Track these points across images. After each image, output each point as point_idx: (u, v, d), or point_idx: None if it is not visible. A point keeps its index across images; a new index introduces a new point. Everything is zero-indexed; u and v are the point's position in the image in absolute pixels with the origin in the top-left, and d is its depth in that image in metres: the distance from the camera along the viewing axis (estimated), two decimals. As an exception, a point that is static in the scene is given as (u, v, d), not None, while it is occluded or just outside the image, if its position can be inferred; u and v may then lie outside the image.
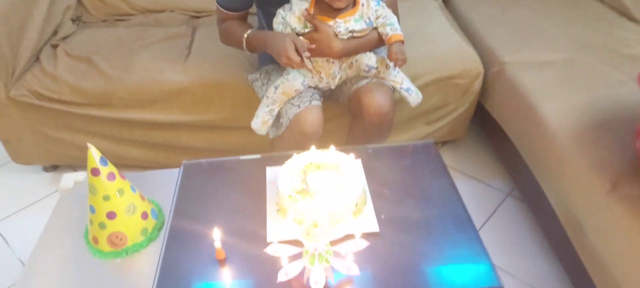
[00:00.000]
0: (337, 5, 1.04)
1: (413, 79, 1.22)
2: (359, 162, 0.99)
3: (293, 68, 1.08)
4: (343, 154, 0.95)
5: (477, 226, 0.99)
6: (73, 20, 1.59)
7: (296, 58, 1.00)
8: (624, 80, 1.22)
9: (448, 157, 1.57)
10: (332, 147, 0.97)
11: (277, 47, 1.02)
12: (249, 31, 1.12)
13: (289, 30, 1.08)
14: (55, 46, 1.45)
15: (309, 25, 1.07)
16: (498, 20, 1.55)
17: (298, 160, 0.94)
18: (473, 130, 1.67)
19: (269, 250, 0.78)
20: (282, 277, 0.75)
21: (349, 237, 0.80)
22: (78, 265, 0.91)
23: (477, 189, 1.49)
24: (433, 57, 1.39)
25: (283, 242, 0.80)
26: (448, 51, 1.41)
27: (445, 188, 0.98)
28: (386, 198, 0.94)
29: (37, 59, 1.41)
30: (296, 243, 0.78)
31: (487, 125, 1.54)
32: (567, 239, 1.10)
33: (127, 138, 1.46)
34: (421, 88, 1.23)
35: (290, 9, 1.08)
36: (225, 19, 1.17)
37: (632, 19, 1.51)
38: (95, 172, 0.86)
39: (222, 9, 1.16)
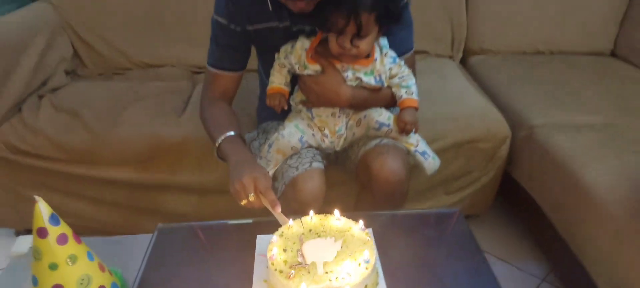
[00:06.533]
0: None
1: (430, 142, 1.06)
2: (369, 232, 0.81)
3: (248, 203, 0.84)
4: (350, 222, 0.78)
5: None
6: (67, 73, 1.50)
7: (248, 199, 0.82)
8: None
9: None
10: (337, 212, 0.79)
11: (233, 179, 0.83)
12: (227, 134, 0.92)
13: (286, 70, 0.97)
14: (41, 97, 1.35)
15: (309, 66, 0.94)
16: (523, 81, 1.43)
17: (295, 227, 0.77)
18: (500, 204, 1.48)
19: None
20: None
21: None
22: None
23: (505, 273, 1.28)
24: (453, 117, 1.25)
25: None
26: (470, 112, 1.27)
27: (477, 269, 0.78)
28: (403, 279, 0.75)
29: (19, 109, 1.30)
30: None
31: (515, 197, 1.36)
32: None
33: (109, 200, 1.30)
34: (440, 152, 1.05)
35: (293, 47, 0.96)
36: (214, 81, 1.01)
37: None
38: (42, 233, 0.69)
39: (212, 70, 1.00)
